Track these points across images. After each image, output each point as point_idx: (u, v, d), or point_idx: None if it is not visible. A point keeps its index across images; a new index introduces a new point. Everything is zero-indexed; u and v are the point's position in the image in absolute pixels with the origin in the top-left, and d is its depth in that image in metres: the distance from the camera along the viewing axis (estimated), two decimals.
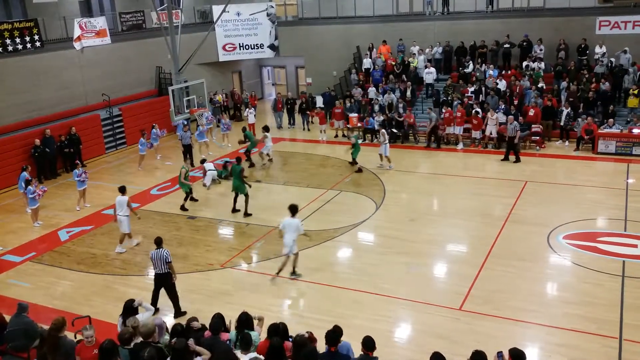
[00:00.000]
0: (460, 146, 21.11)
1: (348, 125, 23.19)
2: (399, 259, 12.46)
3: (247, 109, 24.86)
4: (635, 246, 12.42)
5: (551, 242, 12.84)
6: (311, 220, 14.85)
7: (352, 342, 7.24)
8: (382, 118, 22.25)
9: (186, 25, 25.56)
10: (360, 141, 19.40)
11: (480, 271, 11.69)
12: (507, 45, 24.22)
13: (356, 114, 23.34)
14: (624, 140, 18.92)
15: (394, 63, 25.72)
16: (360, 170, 18.60)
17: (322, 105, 25.32)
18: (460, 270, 11.86)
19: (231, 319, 7.90)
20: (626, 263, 11.69)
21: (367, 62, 26.60)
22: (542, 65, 23.19)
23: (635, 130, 18.96)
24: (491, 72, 23.39)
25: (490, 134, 20.50)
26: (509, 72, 23.55)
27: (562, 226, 13.59)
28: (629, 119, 20.00)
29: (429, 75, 24.21)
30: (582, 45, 23.03)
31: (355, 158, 18.75)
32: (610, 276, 11.19)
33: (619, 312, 9.96)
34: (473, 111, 21.29)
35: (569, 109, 20.53)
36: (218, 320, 7.36)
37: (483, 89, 22.69)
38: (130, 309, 8.21)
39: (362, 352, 6.84)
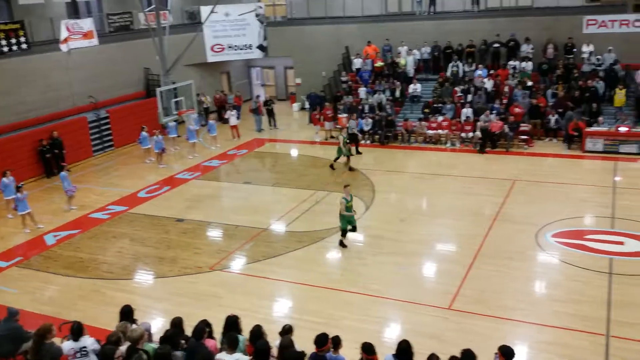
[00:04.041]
0: (449, 145, 21.19)
1: (338, 126, 23.17)
2: (389, 259, 12.45)
3: (229, 111, 24.68)
4: (622, 243, 12.50)
5: (539, 240, 12.89)
6: (301, 221, 14.84)
7: (344, 342, 7.23)
8: (370, 120, 22.31)
9: (174, 26, 25.43)
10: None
11: (470, 270, 11.71)
12: (496, 45, 24.32)
13: (346, 115, 23.32)
14: (611, 139, 19.04)
15: (381, 63, 25.73)
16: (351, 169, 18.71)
17: (309, 106, 25.30)
18: (449, 270, 11.87)
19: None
20: (613, 260, 11.76)
21: (357, 62, 26.59)
22: (530, 64, 23.31)
23: (622, 129, 19.09)
24: (480, 71, 23.48)
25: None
26: (498, 71, 23.64)
27: (550, 224, 13.64)
28: (616, 118, 20.14)
29: (416, 85, 24.25)
30: (569, 45, 23.17)
31: (337, 158, 18.86)
32: (598, 274, 11.25)
33: (606, 309, 10.01)
34: (464, 117, 21.41)
35: (557, 116, 20.68)
36: (202, 326, 7.33)
37: (472, 88, 22.79)
38: (127, 314, 8.08)
39: (361, 357, 6.88)
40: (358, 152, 20.65)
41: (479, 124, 20.67)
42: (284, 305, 11.05)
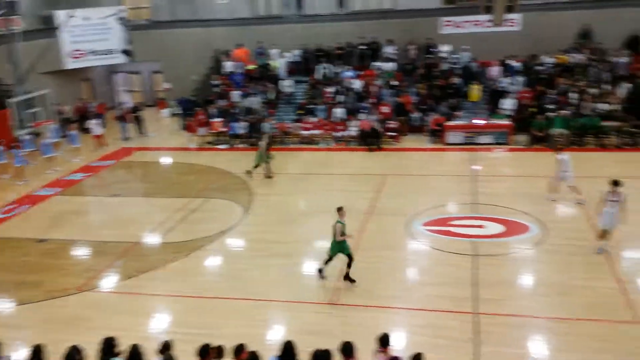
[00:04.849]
0: (323, 145, 21.65)
1: (211, 131, 22.74)
2: (270, 261, 12.40)
3: (92, 120, 23.25)
4: (483, 227, 13.50)
5: (411, 230, 13.55)
6: (177, 232, 14.31)
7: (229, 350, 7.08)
8: (244, 123, 22.17)
9: (27, 31, 23.47)
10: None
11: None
12: (362, 47, 25.26)
13: (220, 119, 22.97)
14: (470, 131, 20.58)
15: (253, 66, 25.71)
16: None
17: (180, 112, 24.63)
18: (330, 265, 12.02)
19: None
20: (476, 243, 12.66)
21: (229, 66, 26.31)
22: (394, 65, 24.48)
23: (479, 121, 20.70)
24: (348, 73, 24.26)
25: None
26: (366, 72, 24.54)
27: (419, 214, 14.39)
28: (473, 112, 21.78)
29: (288, 87, 24.55)
30: (428, 45, 24.68)
31: (257, 165, 17.94)
32: (464, 256, 12.02)
33: (473, 288, 10.73)
34: (337, 117, 21.99)
35: (420, 114, 21.93)
36: (72, 352, 6.85)
37: (342, 89, 23.48)
38: None
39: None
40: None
41: (363, 122, 21.30)
42: (163, 321, 10.55)
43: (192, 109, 24.11)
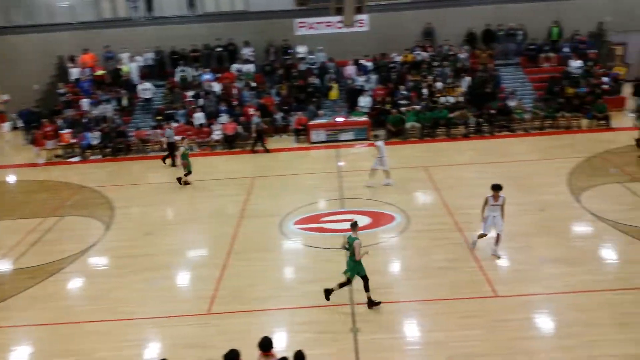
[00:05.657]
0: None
1: (60, 143, 21.05)
2: (138, 276, 11.74)
3: None
4: (352, 220, 13.86)
5: (284, 229, 13.62)
6: (30, 255, 13.04)
7: None
8: (98, 133, 20.86)
9: None
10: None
11: (224, 270, 11.76)
12: (218, 49, 24.90)
13: (69, 130, 21.34)
14: (331, 129, 21.20)
15: (103, 72, 24.23)
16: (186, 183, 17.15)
17: (22, 125, 22.57)
18: (203, 274, 11.74)
19: None
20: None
21: (75, 72, 24.52)
22: (252, 67, 24.47)
23: (339, 119, 21.39)
24: (207, 75, 23.79)
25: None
26: (225, 74, 24.22)
27: (291, 213, 14.51)
28: (333, 110, 22.45)
29: (145, 91, 23.55)
30: (285, 46, 25.00)
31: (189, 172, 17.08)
32: (337, 251, 12.24)
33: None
34: (198, 122, 21.48)
35: (282, 113, 22.19)
36: None
37: (202, 92, 22.97)
38: None
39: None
40: (173, 165, 19.11)
41: (253, 125, 20.92)
42: (26, 353, 9.52)
43: (36, 121, 22.15)
